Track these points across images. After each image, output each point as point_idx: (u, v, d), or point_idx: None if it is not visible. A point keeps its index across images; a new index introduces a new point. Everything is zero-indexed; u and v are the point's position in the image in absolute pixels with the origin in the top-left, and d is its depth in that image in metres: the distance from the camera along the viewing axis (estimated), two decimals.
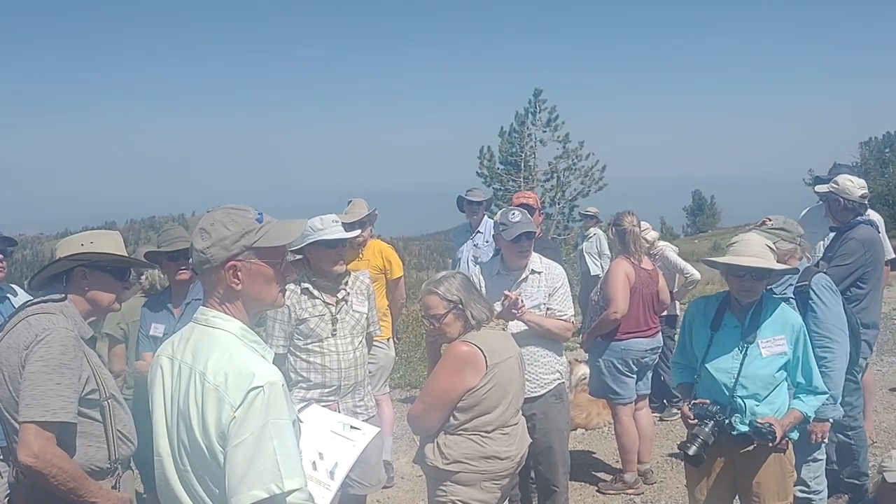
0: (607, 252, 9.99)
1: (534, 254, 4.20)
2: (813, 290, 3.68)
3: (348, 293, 3.80)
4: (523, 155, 22.05)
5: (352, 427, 2.65)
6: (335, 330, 3.70)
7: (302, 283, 3.71)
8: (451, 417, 3.07)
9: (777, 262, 3.33)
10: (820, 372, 3.37)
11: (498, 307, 3.74)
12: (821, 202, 5.37)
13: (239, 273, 1.93)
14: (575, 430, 6.29)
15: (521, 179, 21.54)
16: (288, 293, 3.63)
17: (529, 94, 22.38)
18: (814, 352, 3.39)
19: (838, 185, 4.83)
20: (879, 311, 5.29)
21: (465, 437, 3.07)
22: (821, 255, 4.96)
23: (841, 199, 4.80)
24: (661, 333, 5.39)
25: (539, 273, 4.16)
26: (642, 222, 5.66)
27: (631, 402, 5.18)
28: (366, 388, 3.87)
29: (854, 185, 4.79)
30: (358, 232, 4.58)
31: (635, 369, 5.15)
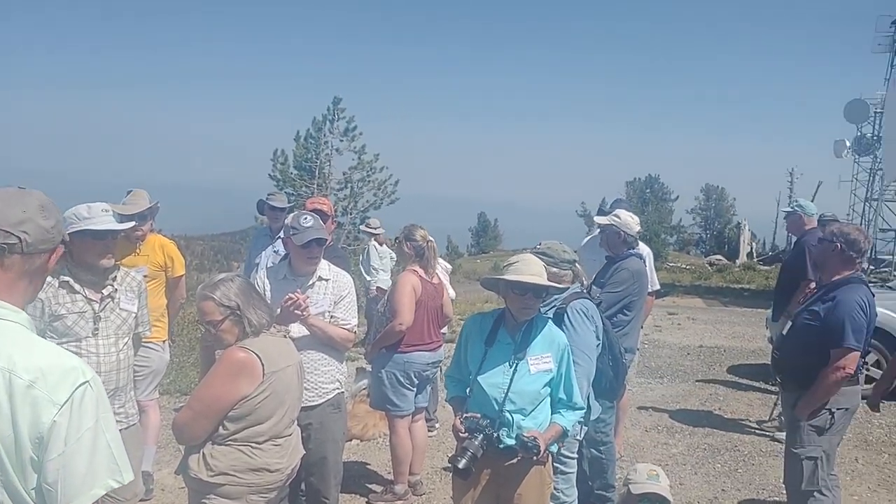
0: (376, 265, 10.30)
1: (323, 261, 4.13)
2: (567, 313, 3.89)
3: (116, 290, 3.49)
4: (318, 162, 21.88)
5: None
6: (97, 329, 3.40)
7: (61, 276, 3.36)
8: (221, 427, 2.90)
9: None
10: None
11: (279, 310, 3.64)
12: (597, 232, 5.78)
13: (55, 259, 1.82)
14: (350, 440, 6.27)
15: (315, 186, 21.35)
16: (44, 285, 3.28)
17: (328, 101, 22.32)
18: None
19: (620, 219, 5.24)
20: (639, 337, 5.80)
21: (234, 447, 2.92)
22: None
23: (621, 233, 5.21)
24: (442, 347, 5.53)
25: (327, 280, 4.10)
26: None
27: (409, 415, 5.25)
28: (128, 393, 3.58)
29: (633, 222, 5.26)
30: (131, 224, 4.23)
31: (416, 382, 5.21)
